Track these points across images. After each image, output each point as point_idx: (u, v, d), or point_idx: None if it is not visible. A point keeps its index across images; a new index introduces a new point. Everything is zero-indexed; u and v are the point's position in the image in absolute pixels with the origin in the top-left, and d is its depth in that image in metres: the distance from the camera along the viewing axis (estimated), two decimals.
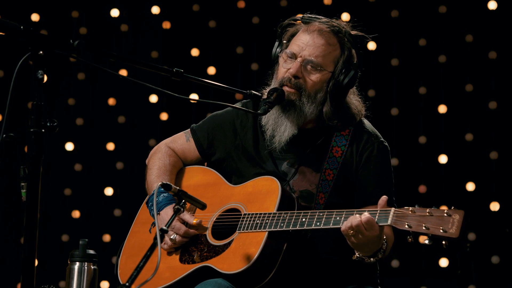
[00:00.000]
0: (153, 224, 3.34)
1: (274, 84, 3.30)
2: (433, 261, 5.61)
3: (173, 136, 3.54)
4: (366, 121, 3.37)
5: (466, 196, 5.56)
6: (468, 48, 5.67)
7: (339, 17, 3.34)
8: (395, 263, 5.61)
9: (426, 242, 2.78)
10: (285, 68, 3.27)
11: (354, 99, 3.33)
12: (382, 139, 3.33)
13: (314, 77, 3.23)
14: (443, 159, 5.66)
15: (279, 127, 3.26)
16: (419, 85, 5.73)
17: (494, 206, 5.58)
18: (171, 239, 3.18)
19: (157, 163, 3.44)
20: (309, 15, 3.31)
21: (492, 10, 5.67)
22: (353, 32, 3.26)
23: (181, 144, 3.49)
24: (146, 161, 3.52)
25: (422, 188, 5.65)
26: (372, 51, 5.78)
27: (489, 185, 5.59)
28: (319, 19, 3.28)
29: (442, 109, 5.70)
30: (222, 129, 3.44)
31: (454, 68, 5.69)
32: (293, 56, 3.25)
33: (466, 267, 5.56)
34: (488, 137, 5.63)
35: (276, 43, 3.36)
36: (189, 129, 3.52)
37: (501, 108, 5.64)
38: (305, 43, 3.24)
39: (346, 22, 3.31)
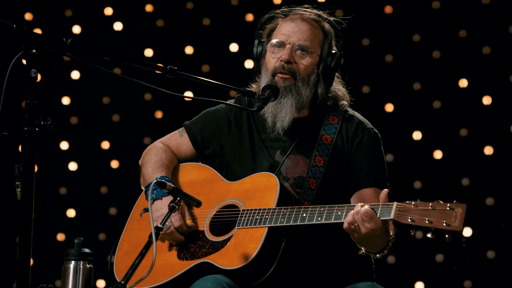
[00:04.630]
0: (145, 209, 3.32)
1: (264, 77, 3.34)
2: (429, 257, 5.61)
3: (166, 135, 3.56)
4: (353, 111, 3.43)
5: (461, 192, 5.56)
6: (462, 43, 5.68)
7: (332, 12, 3.40)
8: (391, 259, 5.61)
9: (429, 235, 2.78)
10: (274, 58, 3.32)
11: (340, 85, 3.42)
12: (372, 126, 3.39)
13: (305, 61, 3.30)
14: (438, 154, 5.67)
15: (279, 113, 3.30)
16: (413, 81, 5.73)
17: (489, 201, 5.59)
18: (165, 226, 3.16)
19: (154, 158, 3.44)
20: (287, 8, 3.40)
21: (486, 5, 5.67)
22: (331, 18, 3.37)
23: (175, 139, 3.52)
24: (140, 161, 3.51)
25: (417, 184, 5.65)
26: (366, 47, 5.78)
27: (484, 180, 5.60)
28: (297, 8, 3.37)
29: (437, 104, 5.70)
30: (216, 122, 3.46)
31: (448, 63, 5.69)
32: (281, 45, 3.32)
33: (461, 262, 5.57)
34: (483, 132, 5.63)
35: (256, 42, 3.42)
36: (182, 127, 3.53)
37: (495, 103, 5.64)
38: (291, 31, 3.32)
39: (322, 8, 3.40)
